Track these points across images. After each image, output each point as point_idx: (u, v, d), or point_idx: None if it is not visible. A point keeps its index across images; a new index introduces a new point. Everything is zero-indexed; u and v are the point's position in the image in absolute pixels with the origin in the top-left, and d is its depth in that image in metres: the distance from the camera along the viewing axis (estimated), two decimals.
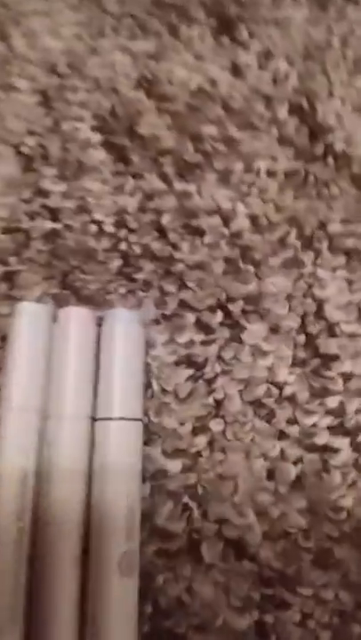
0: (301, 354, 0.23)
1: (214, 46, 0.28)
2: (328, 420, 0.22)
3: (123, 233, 0.25)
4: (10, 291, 0.24)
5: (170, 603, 0.20)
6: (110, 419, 0.20)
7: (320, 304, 0.24)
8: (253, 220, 0.25)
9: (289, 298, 0.24)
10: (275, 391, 0.22)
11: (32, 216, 0.26)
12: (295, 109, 0.27)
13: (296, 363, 0.23)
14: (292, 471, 0.21)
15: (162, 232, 0.25)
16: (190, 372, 0.23)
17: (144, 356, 0.23)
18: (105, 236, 0.25)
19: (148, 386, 0.23)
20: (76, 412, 0.20)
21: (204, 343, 0.23)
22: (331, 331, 0.23)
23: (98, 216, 0.25)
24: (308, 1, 0.29)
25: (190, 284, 0.24)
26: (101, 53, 0.29)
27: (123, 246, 0.25)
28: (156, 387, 0.23)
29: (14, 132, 0.27)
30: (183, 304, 0.24)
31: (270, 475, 0.21)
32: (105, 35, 0.29)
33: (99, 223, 0.25)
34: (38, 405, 0.20)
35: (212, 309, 0.24)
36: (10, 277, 0.24)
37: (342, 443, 0.22)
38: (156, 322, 0.24)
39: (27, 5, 0.30)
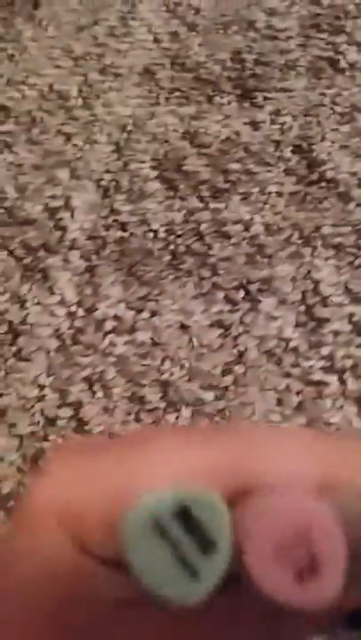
0: (302, 318, 0.30)
1: (238, 109, 0.38)
2: (322, 363, 0.29)
3: (172, 237, 0.34)
4: (91, 279, 0.33)
5: None
6: None
7: (316, 284, 0.31)
8: (267, 226, 0.33)
9: (293, 280, 0.31)
10: (283, 344, 0.30)
11: (107, 227, 0.35)
12: (297, 150, 0.35)
13: (298, 324, 0.30)
14: (295, 399, 0.28)
15: (200, 236, 0.34)
16: (220, 331, 0.31)
17: None
18: (159, 240, 0.34)
19: (189, 341, 0.31)
20: None
21: (230, 312, 0.31)
22: (324, 302, 0.31)
23: (154, 226, 0.34)
24: (306, 72, 0.38)
25: (220, 272, 0.32)
26: (157, 116, 0.39)
27: (172, 247, 0.34)
28: (195, 341, 0.31)
29: (96, 171, 0.37)
30: (215, 285, 0.32)
31: (279, 402, 0.28)
32: (160, 103, 0.39)
33: (155, 231, 0.34)
34: None
35: (236, 289, 0.32)
36: (91, 270, 0.33)
37: (332, 379, 0.28)
38: (195, 297, 0.32)
39: (105, 85, 0.41)
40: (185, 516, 0.08)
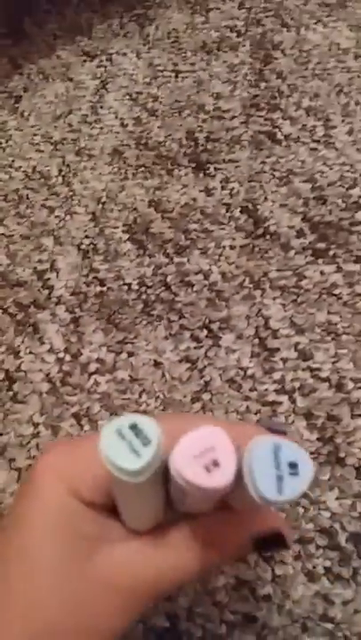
0: (257, 349, 0.35)
1: (194, 179, 0.44)
2: (274, 386, 0.34)
3: (143, 289, 0.39)
4: (76, 329, 0.38)
5: None
6: None
7: (266, 320, 0.37)
8: (223, 275, 0.39)
9: (247, 318, 0.37)
10: (241, 373, 0.35)
11: (88, 284, 0.40)
12: (244, 210, 0.42)
13: (253, 355, 0.35)
14: (254, 419, 0.33)
15: (167, 286, 0.39)
16: (188, 365, 0.36)
17: None
18: (132, 292, 0.39)
19: (162, 375, 0.35)
20: None
21: (196, 348, 0.36)
22: (274, 334, 0.36)
23: (128, 280, 0.40)
24: (249, 145, 0.46)
25: (186, 315, 0.38)
26: (127, 189, 0.45)
27: (144, 296, 0.39)
28: (167, 375, 0.35)
29: (76, 237, 0.43)
30: (182, 327, 0.37)
31: None
32: (128, 178, 0.46)
33: (129, 285, 0.40)
34: None
35: (200, 328, 0.37)
36: (76, 321, 0.38)
37: (284, 398, 0.33)
38: (165, 337, 0.37)
39: (80, 164, 0.48)
40: (135, 427, 0.14)
